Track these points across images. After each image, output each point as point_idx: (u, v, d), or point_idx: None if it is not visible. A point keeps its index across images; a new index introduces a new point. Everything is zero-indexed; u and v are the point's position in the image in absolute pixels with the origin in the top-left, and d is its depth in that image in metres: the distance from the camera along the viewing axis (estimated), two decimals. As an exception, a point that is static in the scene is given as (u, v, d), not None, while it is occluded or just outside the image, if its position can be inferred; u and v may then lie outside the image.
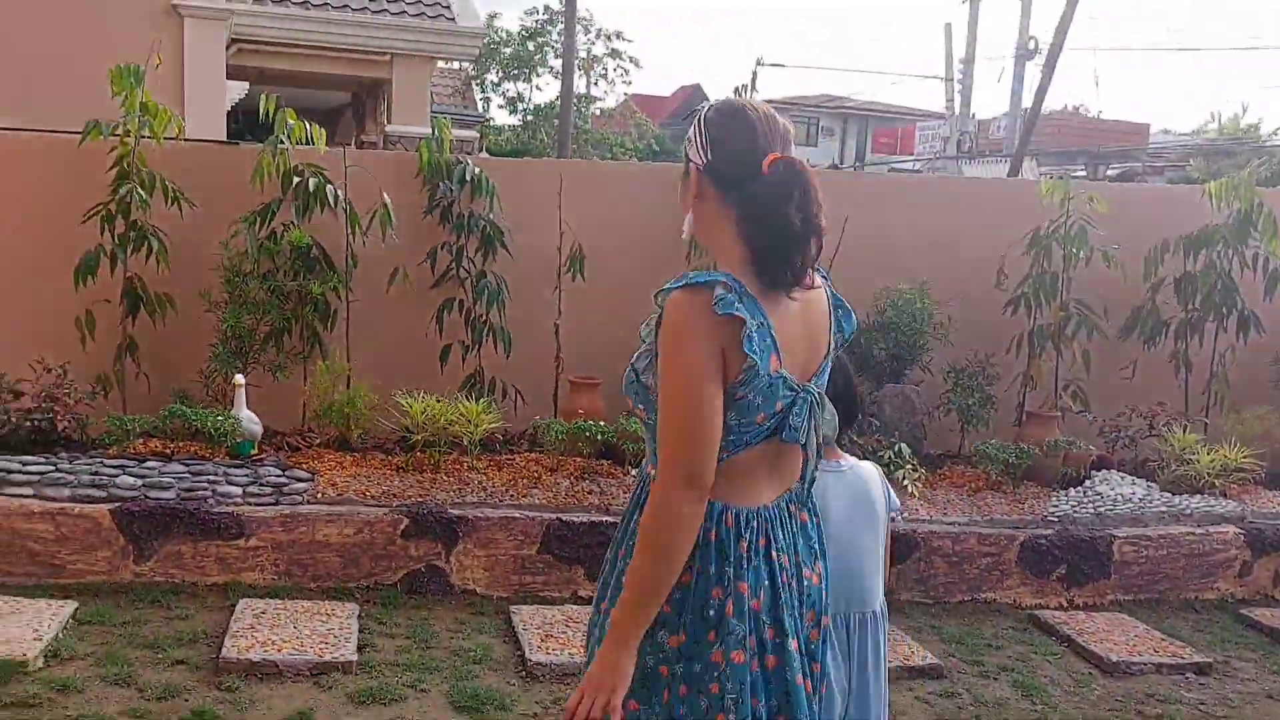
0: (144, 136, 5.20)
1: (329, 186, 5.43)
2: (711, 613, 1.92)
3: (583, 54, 23.67)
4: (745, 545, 1.94)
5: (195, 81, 8.06)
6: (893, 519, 2.55)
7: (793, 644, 1.97)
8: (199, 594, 4.36)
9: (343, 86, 13.30)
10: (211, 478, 4.61)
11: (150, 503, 4.38)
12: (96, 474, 4.48)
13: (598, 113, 26.67)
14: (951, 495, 5.43)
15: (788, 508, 2.03)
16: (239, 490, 4.57)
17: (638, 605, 1.89)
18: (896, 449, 5.51)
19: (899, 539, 4.81)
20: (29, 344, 5.24)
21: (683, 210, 2.06)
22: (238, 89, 9.96)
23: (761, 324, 1.88)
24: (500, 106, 24.81)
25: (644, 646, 1.93)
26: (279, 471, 4.77)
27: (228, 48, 9.55)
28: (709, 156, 1.97)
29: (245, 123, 10.80)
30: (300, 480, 4.74)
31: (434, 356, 5.64)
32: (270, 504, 4.55)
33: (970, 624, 4.72)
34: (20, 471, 4.42)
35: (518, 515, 4.67)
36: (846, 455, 2.51)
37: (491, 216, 5.75)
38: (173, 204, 5.29)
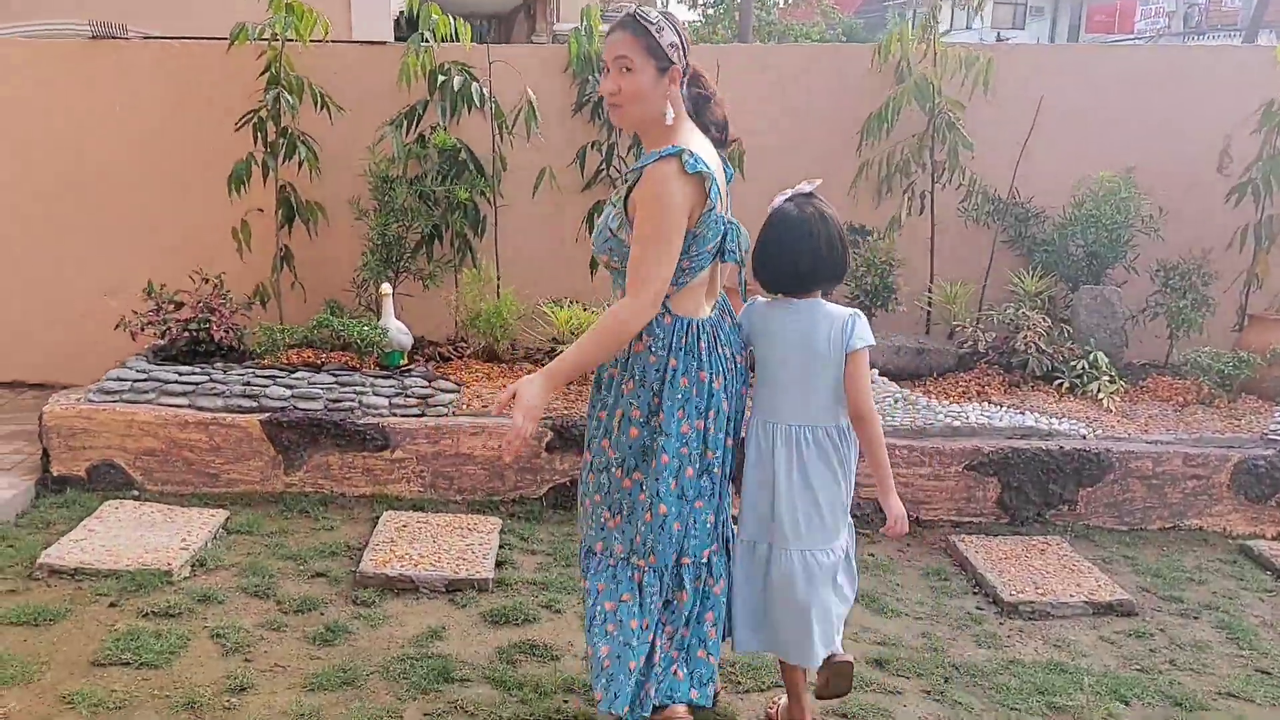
0: (290, 39, 5.11)
1: (475, 85, 5.22)
2: (679, 395, 2.61)
3: (766, -61, 22.53)
4: (704, 345, 2.63)
5: (358, -14, 7.99)
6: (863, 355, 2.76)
7: (726, 406, 2.69)
8: (346, 505, 4.36)
9: (514, -13, 13.09)
10: (358, 388, 4.57)
11: (298, 413, 4.38)
12: (248, 384, 4.51)
13: (783, 3, 25.44)
14: (1154, 410, 4.82)
15: (720, 317, 2.72)
16: (385, 401, 4.51)
17: (575, 367, 2.57)
18: (1092, 358, 4.93)
19: (1086, 457, 4.32)
20: (188, 255, 5.34)
21: (656, 100, 2.55)
22: (404, -7, 9.86)
23: (712, 177, 2.53)
24: (679, 1, 24.03)
25: (645, 429, 2.63)
26: (425, 383, 4.68)
27: (393, -50, 9.47)
28: (685, 62, 2.60)
29: (411, 29, 10.74)
30: (446, 392, 4.64)
31: (584, 263, 5.41)
32: (415, 415, 4.48)
33: (1170, 555, 4.19)
34: (177, 381, 4.50)
35: (665, 429, 4.42)
36: (819, 299, 2.78)
37: (643, 110, 5.39)
38: (321, 109, 5.21)
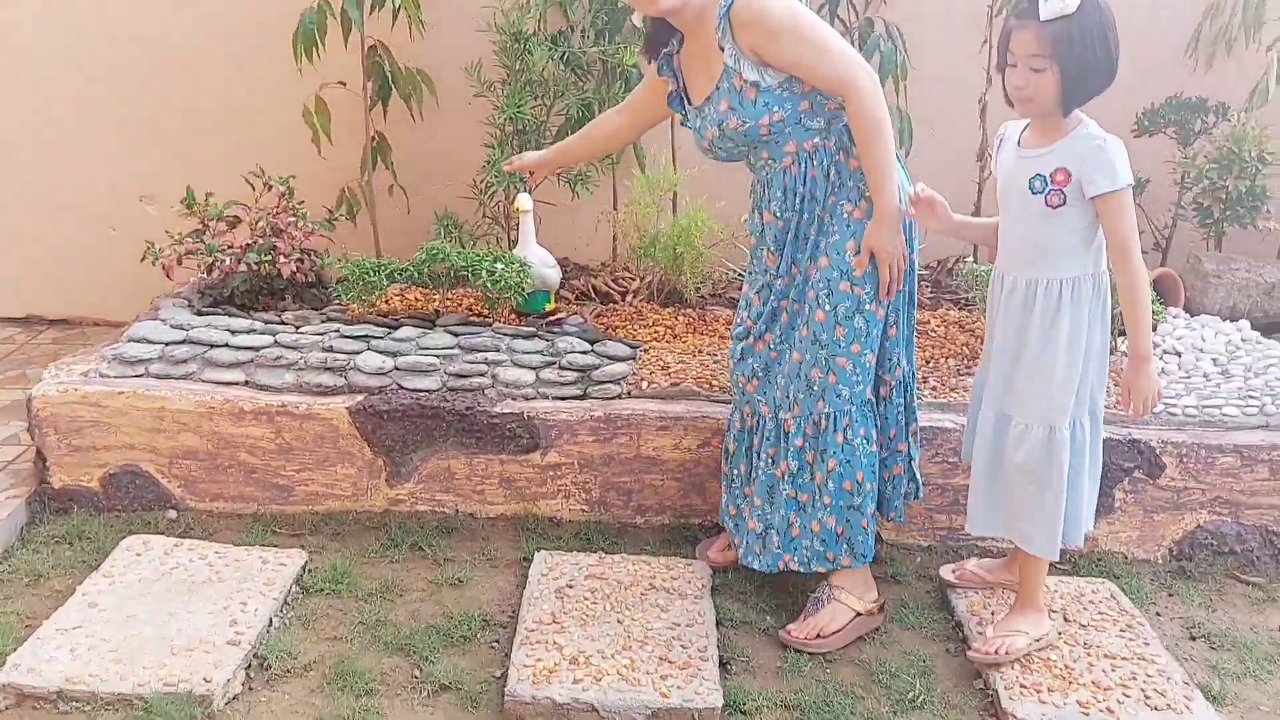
0: None
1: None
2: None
3: None
4: None
5: None
6: None
7: None
8: (478, 534, 2.93)
9: None
10: (491, 355, 3.09)
11: (405, 397, 2.94)
12: (330, 349, 3.06)
13: None
14: None
15: None
16: (530, 376, 3.03)
17: (889, 174, 2.36)
18: None
19: None
20: (244, 148, 3.85)
21: None
22: None
23: None
24: None
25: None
26: (585, 345, 3.18)
27: None
28: None
29: None
30: (617, 359, 3.13)
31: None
32: (575, 398, 3.00)
33: None
34: (228, 346, 3.07)
35: (951, 425, 2.90)
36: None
37: (885, -68, 3.70)
38: (427, -66, 3.60)
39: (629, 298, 3.65)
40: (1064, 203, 2.21)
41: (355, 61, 3.65)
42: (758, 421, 2.63)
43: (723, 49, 2.41)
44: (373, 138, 3.76)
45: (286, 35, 3.51)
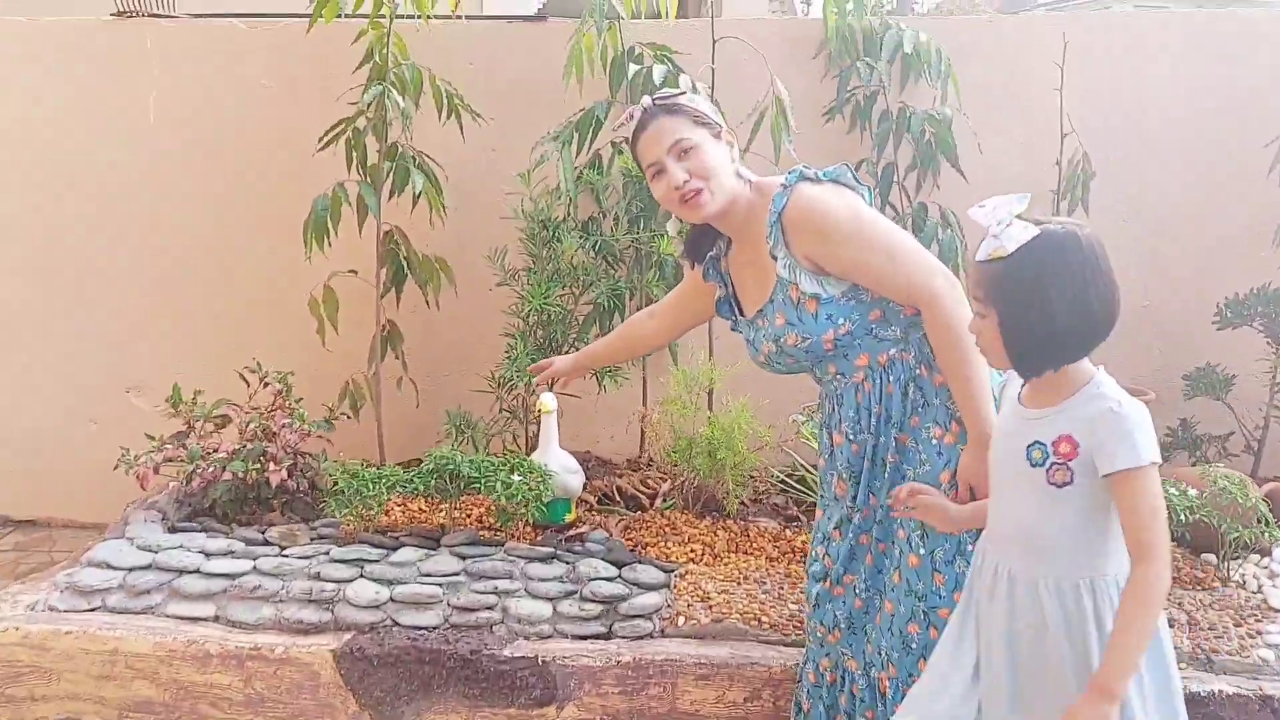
0: (403, 16, 3.30)
1: (682, 77, 3.30)
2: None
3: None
4: None
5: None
6: None
7: None
8: (479, 810, 2.45)
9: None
10: (503, 583, 2.66)
11: (399, 638, 2.50)
12: (317, 576, 2.65)
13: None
14: None
15: None
16: (546, 609, 2.60)
17: (980, 391, 1.99)
18: None
19: None
20: (244, 337, 3.56)
21: (720, 183, 2.09)
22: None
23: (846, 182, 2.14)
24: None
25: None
26: (611, 569, 2.75)
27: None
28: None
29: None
30: (648, 587, 2.70)
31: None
32: (599, 635, 2.56)
33: None
34: (200, 572, 2.66)
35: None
36: None
37: (941, 113, 3.44)
38: (449, 117, 3.37)
39: (659, 501, 3.24)
40: (1070, 481, 1.64)
41: (368, 246, 3.37)
42: (842, 677, 2.22)
43: (775, 257, 2.09)
44: (383, 326, 3.45)
45: (294, 219, 3.25)
